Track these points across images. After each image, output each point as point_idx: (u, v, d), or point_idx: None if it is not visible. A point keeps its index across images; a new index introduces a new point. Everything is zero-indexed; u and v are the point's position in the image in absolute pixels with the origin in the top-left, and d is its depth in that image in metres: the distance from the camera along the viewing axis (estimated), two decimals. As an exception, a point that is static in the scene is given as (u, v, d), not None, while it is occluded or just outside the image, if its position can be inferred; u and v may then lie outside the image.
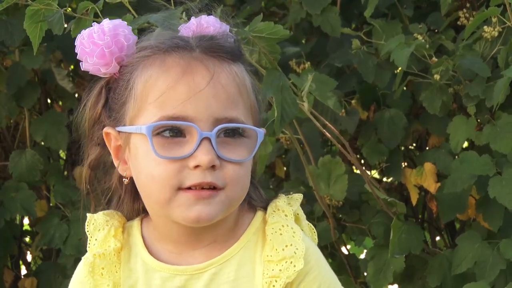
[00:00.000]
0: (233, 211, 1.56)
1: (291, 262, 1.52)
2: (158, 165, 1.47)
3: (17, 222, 3.63)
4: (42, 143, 3.41)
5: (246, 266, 1.55)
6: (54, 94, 3.55)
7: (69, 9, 2.21)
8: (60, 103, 3.58)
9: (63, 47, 3.23)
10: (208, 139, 1.46)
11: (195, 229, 1.53)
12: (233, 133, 1.50)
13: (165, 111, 1.47)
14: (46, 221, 3.31)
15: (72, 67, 3.48)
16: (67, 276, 3.30)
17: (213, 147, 1.46)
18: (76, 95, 3.48)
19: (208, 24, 1.60)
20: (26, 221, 3.75)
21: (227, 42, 1.56)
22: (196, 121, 1.46)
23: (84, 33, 1.57)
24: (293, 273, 1.52)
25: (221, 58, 1.53)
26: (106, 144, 1.59)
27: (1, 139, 3.57)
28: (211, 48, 1.53)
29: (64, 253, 3.26)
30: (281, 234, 1.55)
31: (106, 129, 1.57)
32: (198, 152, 1.46)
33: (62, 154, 3.69)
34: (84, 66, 1.57)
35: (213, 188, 1.47)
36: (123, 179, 1.58)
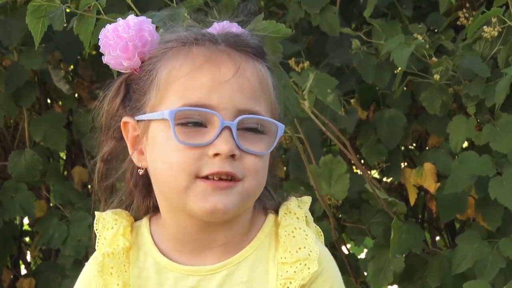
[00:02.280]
0: (247, 212, 1.56)
1: (305, 264, 1.53)
2: (178, 151, 1.47)
3: (17, 222, 3.63)
4: (42, 143, 3.40)
5: (259, 268, 1.55)
6: (54, 94, 3.54)
7: (73, 5, 2.20)
8: (60, 103, 3.57)
9: (62, 47, 3.23)
10: (229, 128, 1.47)
11: (208, 226, 1.53)
12: (252, 129, 1.50)
13: (188, 98, 1.47)
14: (45, 221, 3.31)
15: (72, 67, 3.48)
16: (66, 276, 3.30)
17: (233, 137, 1.47)
18: (76, 95, 3.48)
19: (231, 29, 1.60)
20: (26, 220, 3.74)
21: (252, 39, 1.57)
22: (219, 110, 1.47)
23: (109, 26, 1.58)
24: (307, 275, 1.52)
25: (246, 53, 1.54)
26: (123, 134, 1.58)
27: (0, 139, 3.57)
28: (237, 42, 1.54)
29: (63, 253, 3.25)
30: (294, 236, 1.55)
31: (125, 119, 1.57)
32: (218, 141, 1.46)
33: (62, 154, 3.68)
34: (106, 59, 1.58)
35: (231, 179, 1.48)
36: (138, 169, 1.58)
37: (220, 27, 1.61)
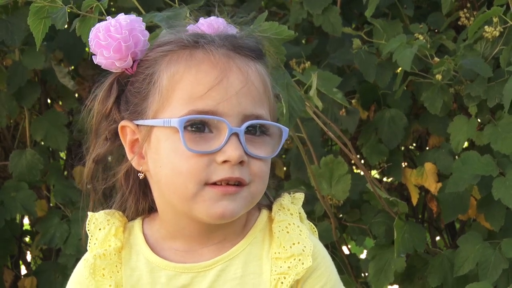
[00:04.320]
0: None
1: (300, 260, 1.53)
2: (186, 159, 1.47)
3: (17, 221, 3.62)
4: (42, 142, 3.40)
5: (253, 263, 1.56)
6: (54, 93, 3.54)
7: (73, 6, 2.20)
8: (60, 102, 3.57)
9: (64, 46, 3.23)
10: (237, 134, 1.47)
11: (208, 227, 1.54)
12: (255, 131, 1.51)
13: (195, 105, 1.47)
14: (46, 220, 3.30)
15: (72, 67, 3.47)
16: (67, 276, 3.26)
17: (241, 143, 1.47)
18: (76, 94, 3.48)
19: (218, 25, 1.60)
20: (26, 220, 3.74)
21: (251, 41, 1.58)
22: (226, 116, 1.47)
23: (100, 26, 1.56)
24: (302, 270, 1.53)
25: (248, 56, 1.54)
26: (121, 138, 1.58)
27: (1, 139, 3.57)
28: (238, 45, 1.54)
29: (65, 252, 3.25)
30: (288, 232, 1.56)
31: (123, 123, 1.56)
32: (227, 148, 1.47)
33: (62, 154, 3.68)
34: (97, 60, 1.57)
35: (238, 184, 1.48)
36: (138, 173, 1.57)
37: (207, 23, 1.61)
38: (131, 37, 1.54)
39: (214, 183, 1.47)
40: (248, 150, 1.48)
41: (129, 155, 1.58)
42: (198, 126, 1.48)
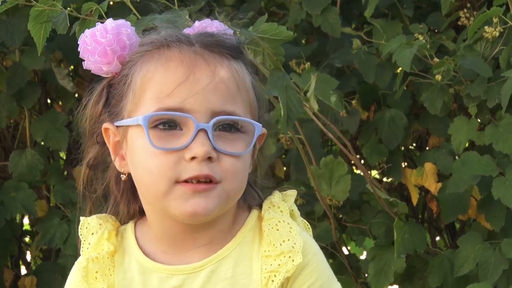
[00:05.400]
0: (231, 211, 1.56)
1: (290, 257, 1.52)
2: (155, 157, 1.47)
3: (17, 221, 3.62)
4: (42, 143, 3.40)
5: (244, 263, 1.56)
6: (54, 94, 3.55)
7: (73, 9, 2.20)
8: (60, 103, 3.57)
9: (63, 47, 3.23)
10: (205, 131, 1.47)
11: (192, 227, 1.53)
12: (230, 128, 1.50)
13: (163, 103, 1.47)
14: (46, 221, 3.30)
15: (72, 67, 3.48)
16: (67, 276, 3.28)
17: (209, 139, 1.46)
18: (76, 95, 3.48)
19: (212, 27, 1.60)
20: (26, 220, 3.74)
21: (227, 39, 1.57)
22: (193, 113, 1.47)
23: (87, 31, 1.58)
24: (292, 267, 1.52)
25: (221, 54, 1.54)
26: (105, 140, 1.59)
27: (1, 139, 3.57)
28: (211, 43, 1.54)
29: (64, 253, 3.25)
30: (277, 229, 1.55)
31: (105, 125, 1.57)
32: (194, 144, 1.46)
33: (62, 154, 3.68)
34: (86, 65, 1.58)
35: (210, 181, 1.47)
36: (121, 175, 1.58)
37: (201, 25, 1.61)
38: (116, 41, 1.55)
39: (185, 181, 1.47)
40: (217, 146, 1.47)
41: (112, 157, 1.59)
42: (170, 124, 1.48)
